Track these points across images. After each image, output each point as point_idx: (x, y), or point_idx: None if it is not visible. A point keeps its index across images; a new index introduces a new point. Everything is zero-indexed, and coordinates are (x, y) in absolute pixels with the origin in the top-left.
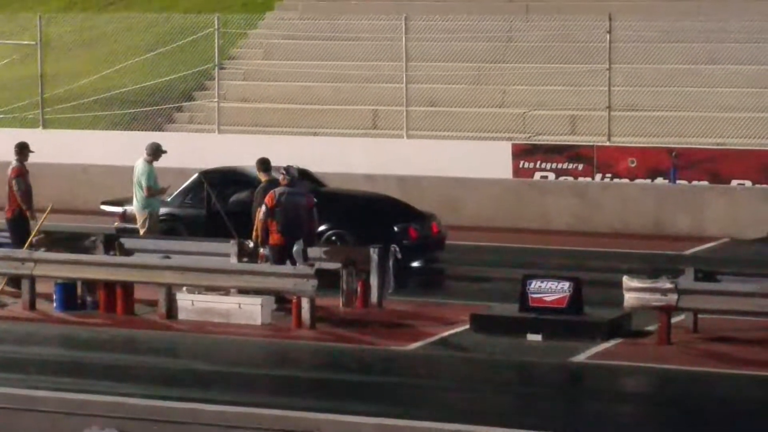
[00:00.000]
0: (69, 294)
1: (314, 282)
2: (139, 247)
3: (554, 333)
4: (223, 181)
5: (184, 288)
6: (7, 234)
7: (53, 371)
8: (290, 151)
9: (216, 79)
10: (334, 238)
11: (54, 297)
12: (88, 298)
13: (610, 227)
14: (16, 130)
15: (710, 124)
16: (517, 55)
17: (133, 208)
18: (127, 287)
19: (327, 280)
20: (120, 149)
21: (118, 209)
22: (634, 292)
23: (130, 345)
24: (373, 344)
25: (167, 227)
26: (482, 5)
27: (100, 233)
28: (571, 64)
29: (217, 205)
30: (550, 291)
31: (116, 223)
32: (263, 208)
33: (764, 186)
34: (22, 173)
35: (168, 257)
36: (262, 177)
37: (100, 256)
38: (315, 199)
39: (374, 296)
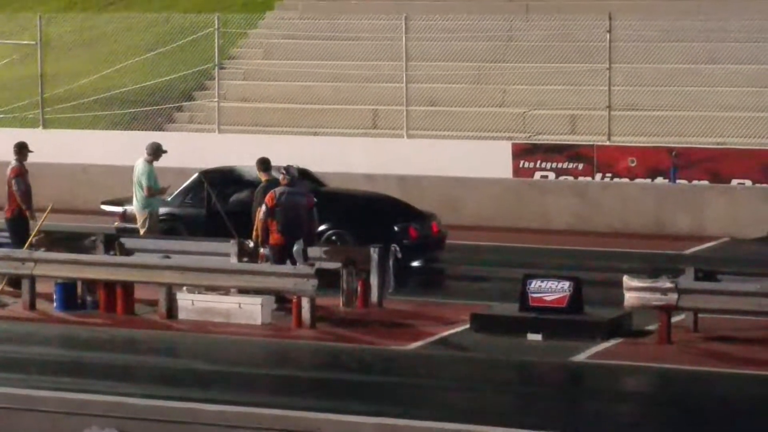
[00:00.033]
0: (69, 294)
1: (314, 282)
2: (139, 246)
3: (554, 332)
4: (223, 181)
5: (185, 288)
6: (7, 234)
7: (53, 371)
8: (290, 150)
9: (216, 78)
10: (334, 237)
11: (54, 297)
12: (88, 298)
13: (611, 227)
14: (16, 130)
15: (710, 123)
16: (517, 54)
17: (133, 207)
18: (128, 287)
19: (327, 280)
20: (120, 149)
21: (118, 209)
22: (634, 291)
23: (130, 345)
24: (373, 344)
25: (167, 227)
26: (482, 5)
27: (100, 233)
28: (571, 63)
29: (217, 205)
30: (551, 291)
31: (116, 223)
32: (263, 207)
33: (764, 185)
34: (21, 173)
35: (168, 257)
36: (263, 177)
37: (100, 256)
38: (315, 199)
39: (374, 296)
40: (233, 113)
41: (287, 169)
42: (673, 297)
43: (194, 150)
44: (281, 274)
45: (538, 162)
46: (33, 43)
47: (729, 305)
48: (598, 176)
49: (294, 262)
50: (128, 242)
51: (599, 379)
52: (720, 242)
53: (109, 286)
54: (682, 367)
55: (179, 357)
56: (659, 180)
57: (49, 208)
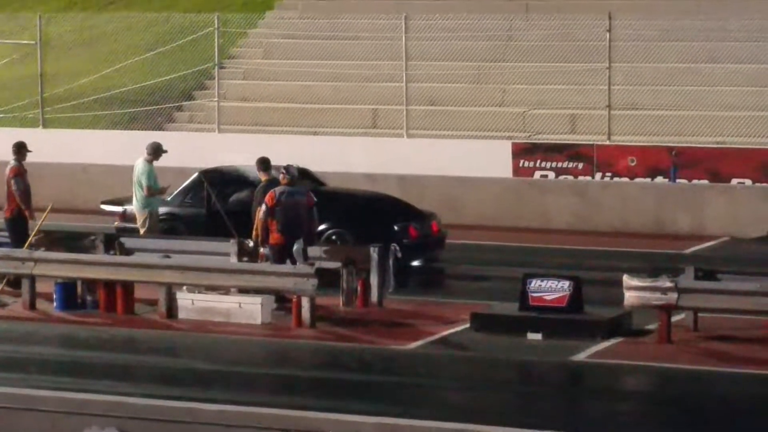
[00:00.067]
0: (69, 293)
1: (314, 281)
2: (139, 246)
3: (554, 332)
4: (223, 181)
5: (184, 287)
6: (6, 233)
7: (53, 371)
8: (290, 150)
9: (216, 78)
10: (334, 237)
11: (54, 296)
12: (88, 298)
13: (610, 226)
14: (16, 130)
15: (710, 122)
16: (517, 54)
17: (133, 207)
18: (128, 286)
19: (327, 280)
20: (120, 149)
21: (118, 209)
22: (634, 290)
23: (130, 344)
24: (373, 343)
25: (167, 226)
26: (482, 4)
27: (100, 233)
28: (571, 63)
29: (217, 205)
30: (551, 290)
31: (116, 223)
32: (263, 207)
33: (764, 185)
34: (20, 173)
35: (168, 257)
36: (262, 176)
37: (100, 256)
38: (315, 199)
39: (374, 295)
40: (233, 113)
41: (287, 168)
42: (673, 296)
43: (194, 149)
44: (281, 274)
45: (538, 161)
46: (33, 42)
47: (729, 304)
48: (598, 176)
49: (294, 262)
50: (128, 242)
51: (599, 378)
52: (720, 241)
53: (109, 285)
54: (682, 367)
55: (179, 356)
56: (659, 179)
57: (49, 207)
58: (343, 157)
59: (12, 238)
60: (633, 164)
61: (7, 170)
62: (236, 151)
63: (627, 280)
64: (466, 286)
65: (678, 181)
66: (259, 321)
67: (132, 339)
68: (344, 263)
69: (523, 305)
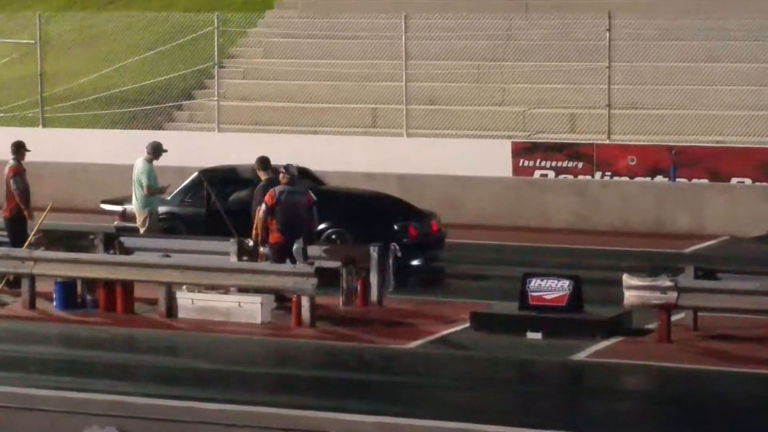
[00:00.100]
0: (69, 293)
1: (314, 280)
2: (138, 245)
3: (554, 331)
4: (222, 180)
5: (184, 286)
6: (6, 233)
7: (53, 370)
8: (290, 149)
9: (216, 77)
10: (333, 236)
11: (54, 296)
12: (88, 297)
13: (610, 225)
14: (16, 129)
15: (710, 122)
16: (517, 53)
17: (133, 206)
18: (127, 286)
19: (327, 279)
20: (120, 148)
21: (118, 208)
22: (634, 290)
23: (130, 344)
24: (373, 343)
25: (167, 226)
26: (482, 3)
27: (100, 232)
28: (570, 62)
29: (217, 204)
30: (550, 289)
31: (116, 222)
32: (263, 206)
33: (764, 184)
34: (19, 172)
35: (168, 256)
36: (262, 175)
37: (100, 255)
38: (315, 198)
39: (374, 295)
40: (233, 112)
41: (287, 167)
42: (672, 295)
43: (194, 149)
44: (281, 273)
45: (538, 161)
46: (32, 42)
47: (729, 304)
48: (598, 175)
49: (294, 261)
50: (128, 241)
51: (599, 377)
52: (720, 241)
53: (109, 285)
54: (682, 366)
55: (179, 356)
56: (659, 178)
57: (49, 207)
58: (343, 156)
59: (11, 238)
60: (633, 163)
61: (6, 169)
62: (236, 150)
63: (627, 279)
64: (465, 286)
65: (678, 180)
66: (258, 320)
67: (132, 338)
68: (344, 262)
69: (523, 304)
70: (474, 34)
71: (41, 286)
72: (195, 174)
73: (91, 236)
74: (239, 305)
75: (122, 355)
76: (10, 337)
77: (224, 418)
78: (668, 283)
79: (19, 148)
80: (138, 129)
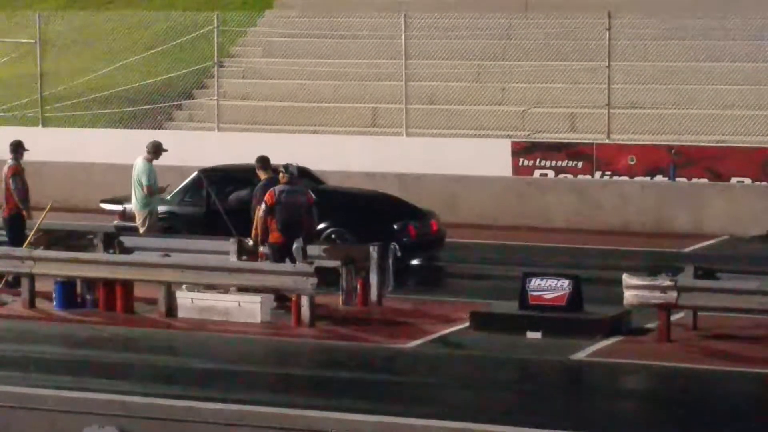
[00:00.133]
0: (69, 292)
1: (314, 280)
2: (138, 245)
3: (554, 330)
4: (222, 180)
5: (184, 286)
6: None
7: (53, 369)
8: (289, 149)
9: (215, 77)
10: (333, 236)
11: (54, 295)
12: (88, 297)
13: (610, 225)
14: (16, 129)
15: (710, 121)
16: (517, 52)
17: (132, 206)
18: (127, 285)
19: (326, 278)
20: (119, 147)
21: (118, 207)
22: (633, 289)
23: (129, 343)
24: (372, 342)
25: (167, 225)
26: (481, 3)
27: (100, 231)
28: (570, 61)
29: (217, 204)
30: (550, 289)
31: (116, 222)
32: (263, 206)
33: (764, 183)
34: (18, 171)
35: (168, 255)
36: (262, 175)
37: (99, 255)
38: (314, 197)
39: (374, 294)
40: (232, 111)
41: (287, 167)
42: (672, 295)
43: (193, 148)
44: (281, 273)
45: (538, 160)
46: (32, 41)
47: (728, 303)
48: (598, 174)
49: (293, 261)
50: (128, 240)
51: (599, 377)
52: (719, 240)
53: (109, 284)
54: (682, 365)
55: (179, 355)
56: (659, 178)
57: (49, 206)
58: (343, 155)
59: (10, 238)
60: (632, 163)
61: (5, 169)
62: (236, 150)
63: (626, 278)
64: (465, 285)
65: (677, 179)
66: (258, 320)
67: (131, 338)
68: (344, 262)
69: (523, 304)
70: (474, 33)
71: (41, 286)
72: (195, 173)
73: (90, 236)
74: (239, 305)
75: (122, 355)
76: (10, 337)
77: (224, 418)
78: (668, 283)
79: (17, 148)
80: (138, 128)
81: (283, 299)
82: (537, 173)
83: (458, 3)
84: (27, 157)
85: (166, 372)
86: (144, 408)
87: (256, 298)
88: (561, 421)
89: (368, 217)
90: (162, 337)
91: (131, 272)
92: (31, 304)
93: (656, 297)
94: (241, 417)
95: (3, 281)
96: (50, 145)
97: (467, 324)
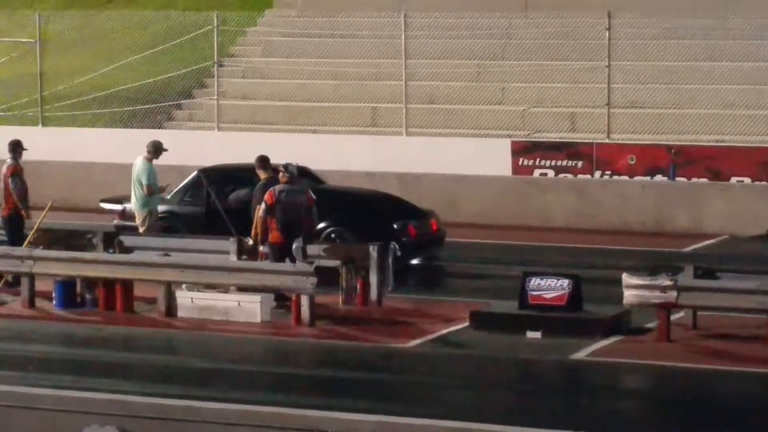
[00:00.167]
0: (68, 292)
1: (313, 279)
2: (138, 244)
3: (554, 330)
4: (222, 179)
5: (184, 286)
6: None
7: (53, 369)
8: (289, 148)
9: (215, 76)
10: (333, 235)
11: (53, 295)
12: (88, 296)
13: (610, 224)
14: (16, 128)
15: (709, 121)
16: (517, 52)
17: (132, 205)
18: (127, 285)
19: (326, 278)
20: (119, 147)
21: (118, 207)
22: (633, 289)
23: (129, 343)
24: (372, 341)
25: (166, 225)
26: (481, 2)
27: (100, 231)
28: (570, 61)
29: (217, 203)
30: (550, 288)
31: (115, 221)
32: (263, 205)
33: (763, 183)
34: (17, 171)
35: (167, 255)
36: (262, 174)
37: (99, 254)
38: (314, 197)
39: (374, 294)
40: (232, 111)
41: (286, 166)
42: (672, 294)
43: (193, 148)
44: (280, 272)
45: (538, 159)
46: (32, 40)
47: (728, 303)
48: (598, 174)
49: (293, 260)
50: (127, 240)
51: (598, 376)
52: (719, 240)
53: (109, 283)
54: (682, 365)
55: (178, 355)
56: (658, 177)
57: (48, 205)
58: (343, 155)
59: (8, 237)
60: (632, 162)
61: (4, 169)
62: (235, 149)
63: (626, 278)
64: (465, 285)
65: (677, 179)
66: (258, 319)
67: (131, 337)
68: (343, 261)
69: (523, 303)
70: (474, 33)
71: (41, 285)
72: (194, 173)
73: (90, 235)
74: (239, 304)
75: (122, 354)
76: (10, 336)
77: (223, 417)
78: (668, 282)
79: (16, 147)
80: (137, 128)
81: (282, 299)
82: (537, 173)
83: (458, 3)
84: (26, 156)
85: (165, 371)
86: (144, 407)
87: (256, 298)
88: (561, 420)
89: (368, 216)
90: (162, 337)
91: (131, 272)
92: (31, 304)
93: (656, 296)
94: (241, 416)
95: (3, 281)
96: (50, 145)
97: (467, 323)
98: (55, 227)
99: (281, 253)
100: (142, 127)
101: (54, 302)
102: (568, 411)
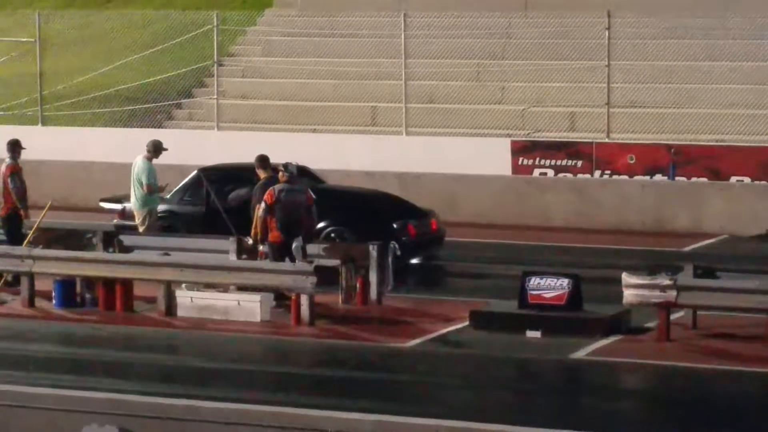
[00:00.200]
0: (68, 291)
1: (313, 279)
2: (138, 244)
3: (553, 330)
4: (222, 178)
5: (183, 285)
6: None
7: (52, 368)
8: (289, 148)
9: (215, 76)
10: (333, 235)
11: (53, 294)
12: (87, 295)
13: (609, 224)
14: (15, 127)
15: (709, 120)
16: (516, 51)
17: (132, 205)
18: (126, 284)
19: (326, 277)
20: (119, 146)
21: (117, 206)
22: (633, 288)
23: (129, 342)
24: (372, 341)
25: (166, 224)
26: (481, 2)
27: (99, 230)
28: (570, 60)
29: (216, 202)
30: (550, 288)
31: (115, 221)
32: (262, 205)
33: (763, 182)
34: (16, 170)
35: (167, 254)
36: (261, 174)
37: (99, 253)
38: (314, 196)
39: (373, 293)
40: (232, 110)
41: (286, 166)
42: (672, 294)
43: (193, 147)
44: (280, 272)
45: (537, 159)
46: (32, 40)
47: (728, 302)
48: (597, 173)
49: (293, 260)
50: (127, 239)
51: (598, 376)
52: (719, 239)
53: (108, 283)
54: (681, 364)
55: (178, 354)
56: (658, 177)
57: (48, 205)
58: (342, 154)
59: (8, 237)
60: (632, 162)
61: (3, 168)
62: (235, 148)
63: (626, 277)
64: (465, 284)
65: (677, 178)
66: (258, 319)
67: (131, 337)
68: (343, 261)
69: (522, 303)
70: (473, 32)
71: (40, 285)
72: (194, 172)
73: (90, 235)
74: (238, 304)
75: (121, 354)
76: (9, 336)
77: (223, 417)
78: (667, 282)
79: (14, 147)
80: (137, 127)
81: (282, 298)
82: (536, 172)
83: (458, 2)
84: (26, 155)
85: (165, 371)
86: (143, 407)
87: (256, 297)
88: (560, 420)
89: (368, 216)
90: (161, 336)
91: (131, 271)
92: (31, 303)
93: (656, 296)
94: (241, 416)
95: (2, 280)
96: (50, 144)
97: (467, 323)
98: (54, 226)
99: (281, 252)
100: (141, 127)
101: (54, 302)
102: (568, 410)
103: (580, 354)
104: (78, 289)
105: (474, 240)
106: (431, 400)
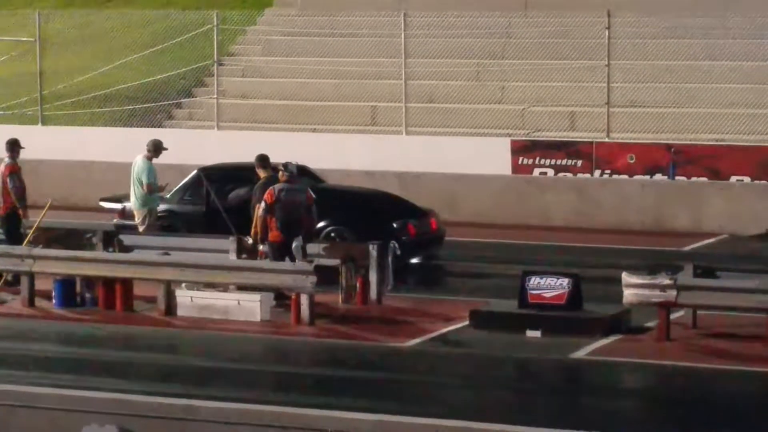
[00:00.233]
0: (68, 291)
1: (313, 278)
2: (138, 243)
3: (553, 329)
4: (222, 178)
5: (183, 285)
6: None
7: (52, 368)
8: (289, 147)
9: (215, 75)
10: (333, 234)
11: (53, 294)
12: (87, 295)
13: (609, 223)
14: (15, 127)
15: (709, 120)
16: (516, 51)
17: (132, 204)
18: (126, 284)
19: (326, 277)
20: (119, 146)
21: (117, 206)
22: (633, 288)
23: (129, 342)
24: (372, 341)
25: (166, 224)
26: (481, 1)
27: (99, 230)
28: (570, 60)
29: (216, 202)
30: (550, 287)
31: (115, 220)
32: (262, 204)
33: (763, 182)
34: (15, 170)
35: (167, 254)
36: (261, 173)
37: (99, 253)
38: (314, 196)
39: (373, 293)
40: (232, 110)
41: (286, 165)
42: (672, 294)
43: (193, 147)
44: (280, 271)
45: (537, 159)
46: (32, 39)
47: (728, 302)
48: (597, 173)
49: (293, 259)
50: (127, 239)
51: (598, 375)
52: (719, 239)
53: (108, 283)
54: (681, 364)
55: (178, 354)
56: (658, 177)
57: (48, 204)
58: (342, 154)
59: (7, 236)
60: (632, 161)
61: (2, 168)
62: (235, 148)
63: (626, 277)
64: (464, 284)
65: (677, 178)
66: (258, 318)
67: (131, 336)
68: (343, 260)
69: (522, 302)
70: (473, 32)
71: (40, 284)
72: (194, 172)
73: (89, 234)
74: (238, 303)
75: (121, 353)
76: (9, 335)
77: (223, 416)
78: (667, 282)
79: (13, 146)
80: (137, 127)
81: (282, 297)
82: (536, 172)
83: (458, 2)
84: (25, 155)
85: (165, 370)
86: (143, 406)
87: (256, 297)
88: (560, 420)
89: (368, 215)
90: (161, 336)
91: (131, 270)
92: (31, 303)
93: (656, 295)
94: (241, 415)
95: (2, 280)
96: (50, 144)
97: (467, 322)
98: (54, 226)
99: (281, 252)
100: (141, 126)
101: (54, 301)
102: (568, 410)
103: (580, 354)
104: (78, 288)
105: (474, 240)
106: (431, 400)
